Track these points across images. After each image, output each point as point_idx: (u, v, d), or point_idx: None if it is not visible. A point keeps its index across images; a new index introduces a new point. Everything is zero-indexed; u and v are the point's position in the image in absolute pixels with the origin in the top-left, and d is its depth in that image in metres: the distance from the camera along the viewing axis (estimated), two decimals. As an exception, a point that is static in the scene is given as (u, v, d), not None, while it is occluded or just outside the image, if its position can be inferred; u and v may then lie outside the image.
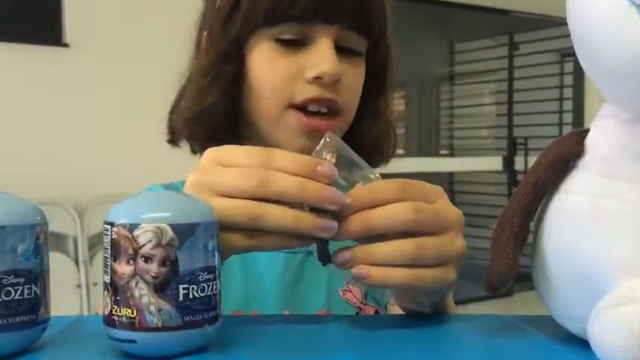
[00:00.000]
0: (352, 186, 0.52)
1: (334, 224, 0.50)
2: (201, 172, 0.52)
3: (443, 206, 0.53)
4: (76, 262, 2.95)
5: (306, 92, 0.70)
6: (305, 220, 0.50)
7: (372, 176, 0.54)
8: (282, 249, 0.53)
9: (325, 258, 0.53)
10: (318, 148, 0.53)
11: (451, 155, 5.58)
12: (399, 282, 0.51)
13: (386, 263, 0.51)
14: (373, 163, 0.79)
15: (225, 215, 0.49)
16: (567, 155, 0.47)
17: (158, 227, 0.43)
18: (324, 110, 0.71)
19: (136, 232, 0.43)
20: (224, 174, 0.51)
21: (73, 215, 2.98)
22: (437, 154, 5.67)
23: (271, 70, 0.71)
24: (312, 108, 0.71)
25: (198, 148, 0.78)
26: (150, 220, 0.43)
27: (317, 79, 0.70)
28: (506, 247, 0.48)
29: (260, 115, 0.73)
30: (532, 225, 0.50)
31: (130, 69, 3.06)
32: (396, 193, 0.51)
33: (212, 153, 0.53)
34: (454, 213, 0.54)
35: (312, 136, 0.70)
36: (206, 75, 0.74)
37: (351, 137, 0.73)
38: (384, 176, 0.55)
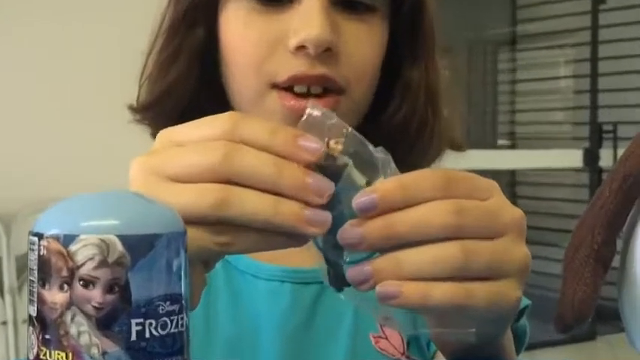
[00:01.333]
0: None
1: (328, 217, 0.50)
2: (150, 154, 0.53)
3: (496, 204, 0.53)
4: (1, 291, 2.96)
5: (289, 67, 0.71)
6: (287, 210, 0.49)
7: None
8: (265, 249, 0.53)
9: (338, 280, 0.53)
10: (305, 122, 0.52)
11: (512, 147, 5.57)
12: (444, 301, 0.50)
13: (422, 276, 0.50)
14: (408, 162, 0.79)
15: (183, 205, 0.49)
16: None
17: (103, 240, 0.43)
18: (318, 91, 0.72)
19: (73, 247, 0.43)
20: (176, 152, 0.51)
21: (-4, 228, 3.00)
22: (493, 146, 5.65)
23: (246, 37, 0.73)
24: (299, 89, 0.71)
25: None
26: (92, 230, 0.43)
27: (301, 49, 0.70)
28: (583, 271, 0.48)
29: (237, 97, 0.74)
30: (619, 241, 0.49)
31: (71, 34, 3.07)
32: (436, 188, 0.51)
33: (165, 132, 0.54)
34: (512, 213, 0.54)
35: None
36: (168, 43, 0.76)
37: (371, 126, 0.73)
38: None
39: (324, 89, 0.72)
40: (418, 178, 0.52)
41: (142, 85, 0.81)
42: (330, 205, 0.51)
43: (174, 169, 0.51)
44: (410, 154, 0.79)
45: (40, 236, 0.44)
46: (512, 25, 5.56)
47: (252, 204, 0.49)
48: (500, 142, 5.69)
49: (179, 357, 0.45)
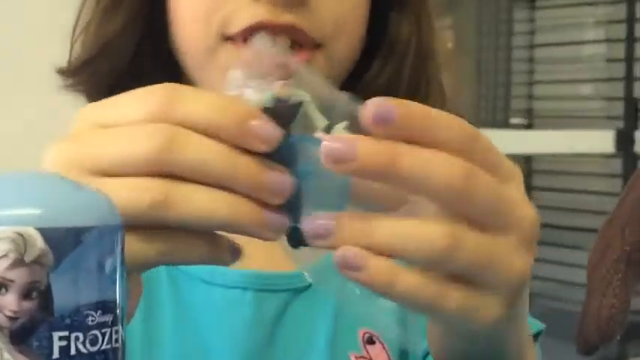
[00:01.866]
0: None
1: (285, 222, 0.50)
2: (70, 140, 0.52)
3: (513, 194, 0.52)
4: None
5: (246, 15, 0.72)
6: (247, 211, 0.50)
7: None
8: (211, 263, 0.53)
9: (298, 236, 0.53)
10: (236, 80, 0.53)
11: (529, 127, 5.60)
12: (409, 294, 0.50)
13: (392, 251, 0.50)
14: None
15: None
16: None
17: (19, 233, 0.43)
18: (285, 44, 0.73)
19: (-18, 242, 0.42)
20: (104, 138, 0.51)
21: None
22: (506, 125, 5.68)
23: None
24: (260, 41, 0.72)
25: None
26: (5, 221, 0.43)
27: None
28: (611, 279, 0.48)
29: (185, 55, 0.75)
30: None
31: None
32: (457, 139, 0.51)
33: (89, 110, 0.54)
34: (527, 211, 0.53)
35: None
36: None
37: (354, 87, 0.74)
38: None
39: (294, 43, 0.73)
40: (442, 115, 0.52)
41: (74, 41, 0.81)
42: (284, 154, 0.51)
43: (100, 161, 0.51)
44: None
45: (-59, 228, 0.43)
46: (531, -23, 5.58)
47: (201, 203, 0.49)
48: (514, 120, 5.71)
49: (112, 379, 0.45)
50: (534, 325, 0.65)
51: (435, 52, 0.81)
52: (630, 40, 4.76)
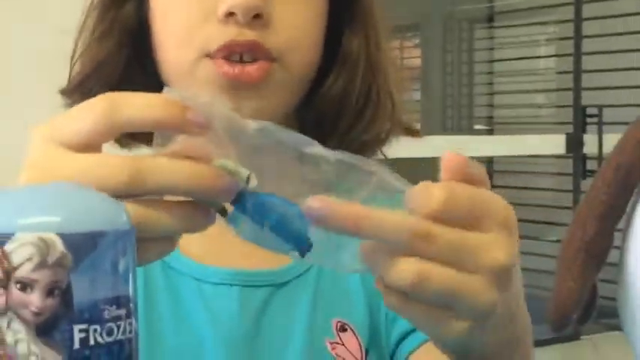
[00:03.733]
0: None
1: (237, 184, 0.51)
2: (35, 167, 0.52)
3: (481, 238, 0.52)
4: None
5: (219, 36, 0.74)
6: (206, 175, 0.50)
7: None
8: (182, 230, 0.53)
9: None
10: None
11: (490, 132, 5.60)
12: (386, 270, 0.50)
13: (376, 237, 0.50)
14: (353, 136, 0.80)
15: (91, 180, 0.49)
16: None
17: (42, 239, 0.42)
18: (250, 59, 0.74)
19: (8, 247, 0.42)
20: (73, 161, 0.51)
21: None
22: (470, 131, 5.69)
23: (173, 9, 0.76)
24: (234, 57, 0.74)
25: None
26: (30, 228, 0.43)
27: (230, 17, 0.73)
28: (572, 265, 0.48)
29: (169, 71, 0.77)
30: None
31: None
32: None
33: (42, 134, 0.53)
34: (496, 254, 0.52)
35: (233, 89, 0.74)
36: (98, 21, 0.80)
37: (314, 98, 0.78)
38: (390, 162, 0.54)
39: (255, 58, 0.74)
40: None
41: (73, 65, 0.82)
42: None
43: (72, 136, 0.51)
44: (354, 128, 0.81)
45: (-29, 235, 0.43)
46: (490, 0, 5.58)
47: (172, 170, 0.50)
48: (477, 126, 5.72)
49: (127, 366, 0.45)
50: None
51: (382, 65, 0.81)
52: (577, 54, 4.77)
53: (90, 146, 0.51)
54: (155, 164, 0.50)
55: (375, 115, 0.82)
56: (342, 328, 0.78)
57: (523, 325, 0.60)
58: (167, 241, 0.53)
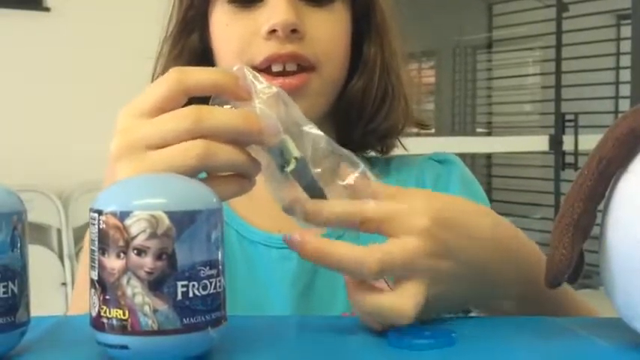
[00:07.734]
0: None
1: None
2: (122, 132, 0.51)
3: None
4: (61, 257, 2.97)
5: (264, 51, 0.73)
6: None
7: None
8: (239, 194, 0.52)
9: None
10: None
11: (489, 134, 5.55)
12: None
13: (330, 226, 0.51)
14: (375, 126, 0.81)
15: (170, 165, 0.49)
16: (638, 130, 0.46)
17: (153, 215, 0.42)
18: (293, 68, 0.73)
19: (128, 221, 0.42)
20: (150, 124, 0.50)
21: (56, 204, 2.99)
22: (473, 133, 5.64)
23: (228, 33, 0.75)
24: (275, 68, 0.73)
25: None
26: (143, 207, 0.43)
27: (272, 34, 0.72)
28: (563, 237, 0.48)
29: None
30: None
31: (113, 34, 3.05)
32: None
33: (126, 110, 0.52)
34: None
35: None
36: (172, 48, 0.80)
37: (343, 95, 0.77)
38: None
39: (298, 66, 0.73)
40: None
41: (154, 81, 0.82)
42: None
43: (154, 140, 0.50)
44: (375, 118, 0.80)
45: (100, 212, 0.43)
46: (489, 31, 5.53)
47: (230, 149, 0.50)
48: (479, 129, 5.68)
49: (217, 313, 0.45)
50: None
51: (395, 69, 0.80)
52: (558, 72, 4.71)
53: (164, 110, 0.51)
54: (210, 110, 0.50)
55: (391, 107, 0.80)
56: None
57: (506, 269, 0.58)
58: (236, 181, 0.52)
